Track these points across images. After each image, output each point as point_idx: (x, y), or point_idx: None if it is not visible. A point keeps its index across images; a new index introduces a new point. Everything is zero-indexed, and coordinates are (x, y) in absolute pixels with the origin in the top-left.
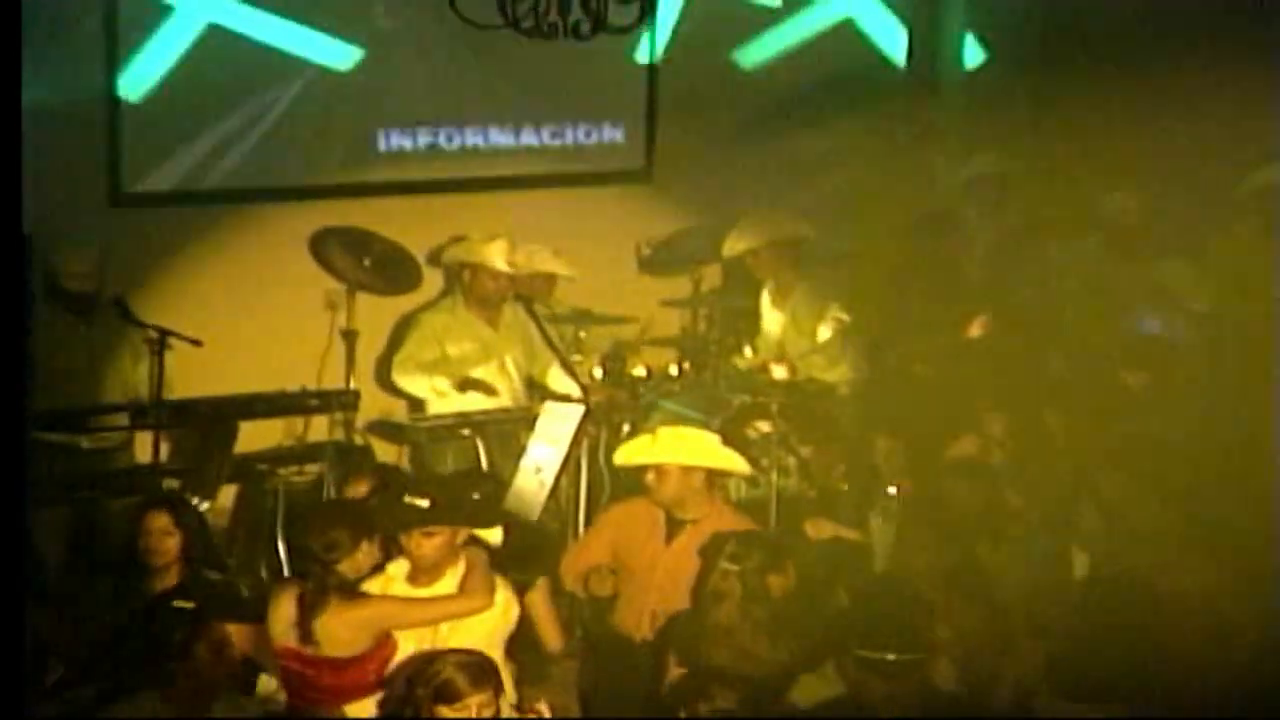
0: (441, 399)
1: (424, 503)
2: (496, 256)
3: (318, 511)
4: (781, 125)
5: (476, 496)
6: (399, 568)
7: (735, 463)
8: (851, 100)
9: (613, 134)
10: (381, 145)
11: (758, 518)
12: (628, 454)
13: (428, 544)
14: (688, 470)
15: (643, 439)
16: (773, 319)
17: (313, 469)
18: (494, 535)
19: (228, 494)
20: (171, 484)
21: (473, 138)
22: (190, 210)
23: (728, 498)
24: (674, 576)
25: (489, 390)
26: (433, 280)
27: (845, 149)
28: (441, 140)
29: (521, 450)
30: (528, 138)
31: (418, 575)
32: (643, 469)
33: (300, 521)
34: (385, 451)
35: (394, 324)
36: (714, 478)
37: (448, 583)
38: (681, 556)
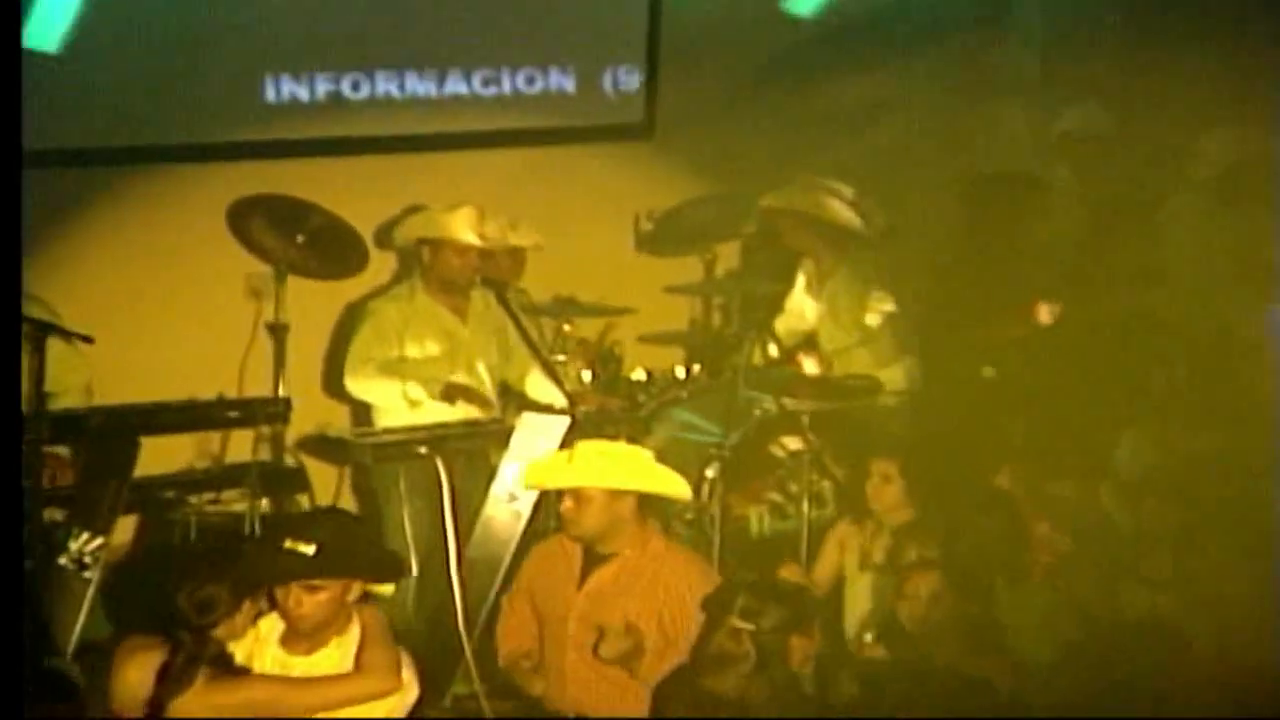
0: (414, 410)
1: (309, 549)
2: (463, 228)
3: (189, 561)
4: (818, 68)
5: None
6: (272, 625)
7: (673, 485)
8: (906, 38)
9: (561, 81)
10: (270, 95)
11: (787, 553)
12: (538, 475)
13: (310, 601)
14: (614, 495)
15: (557, 457)
16: (807, 307)
17: (232, 496)
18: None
19: (127, 528)
20: (55, 515)
21: (385, 85)
22: (72, 175)
23: (666, 530)
24: (588, 626)
25: (482, 403)
26: (380, 262)
27: (899, 98)
28: (345, 89)
29: (493, 472)
30: (454, 85)
31: (295, 639)
32: (558, 495)
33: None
34: (323, 474)
35: (338, 316)
36: (647, 505)
37: (331, 653)
38: (596, 602)
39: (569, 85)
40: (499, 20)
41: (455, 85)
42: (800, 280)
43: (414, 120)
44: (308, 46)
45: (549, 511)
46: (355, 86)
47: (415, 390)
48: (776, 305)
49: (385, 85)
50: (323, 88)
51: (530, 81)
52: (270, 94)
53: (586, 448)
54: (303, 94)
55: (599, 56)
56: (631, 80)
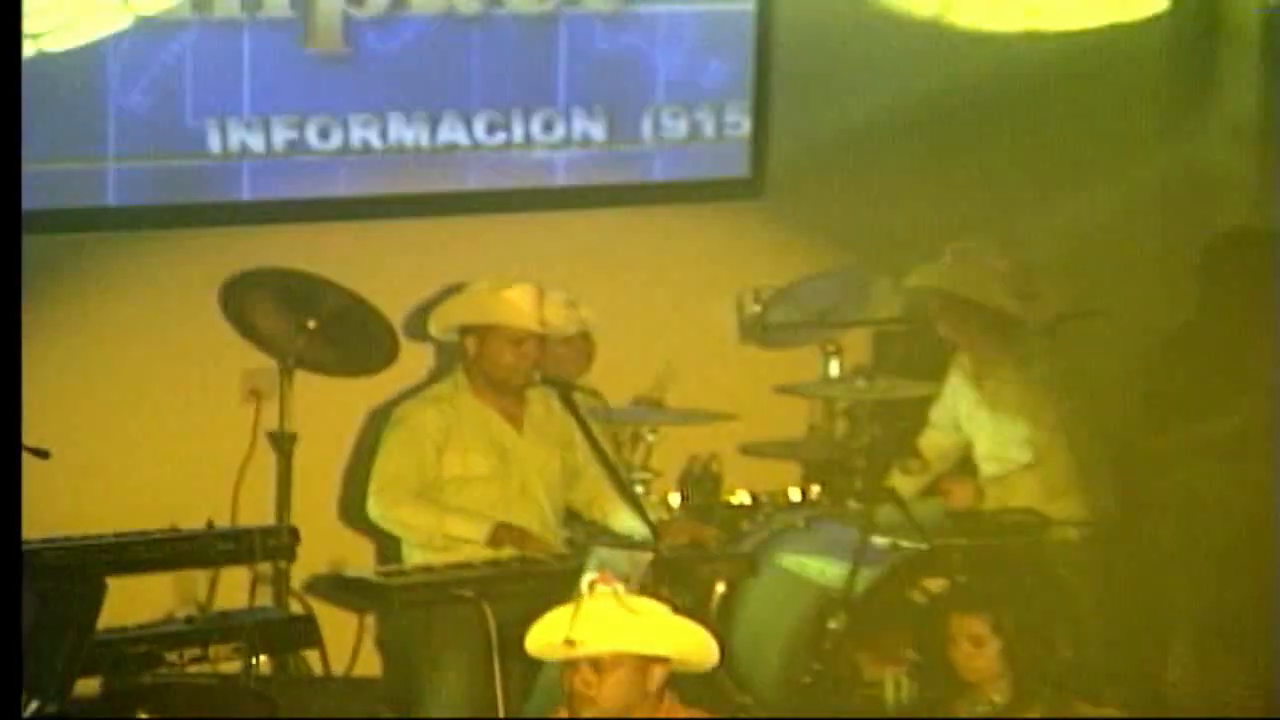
0: (448, 549)
1: None
2: (519, 311)
3: None
4: (974, 110)
5: None
6: None
7: (705, 653)
8: (1089, 62)
9: (587, 127)
10: (214, 144)
11: None
12: (541, 636)
13: None
14: (643, 664)
15: (560, 613)
16: (960, 415)
17: (222, 653)
18: None
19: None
20: None
21: (361, 133)
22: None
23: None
24: None
25: (539, 549)
26: (412, 356)
27: (1080, 140)
28: (312, 138)
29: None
30: (451, 133)
31: None
32: (568, 666)
33: None
34: (338, 624)
35: (359, 424)
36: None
37: None
38: None
39: (599, 132)
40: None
41: (452, 133)
42: (952, 380)
43: (435, 175)
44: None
45: None
46: (324, 134)
47: (457, 526)
48: (919, 411)
49: (362, 133)
50: (282, 136)
51: (548, 128)
52: (214, 143)
53: (593, 604)
54: (255, 143)
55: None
56: (736, 124)
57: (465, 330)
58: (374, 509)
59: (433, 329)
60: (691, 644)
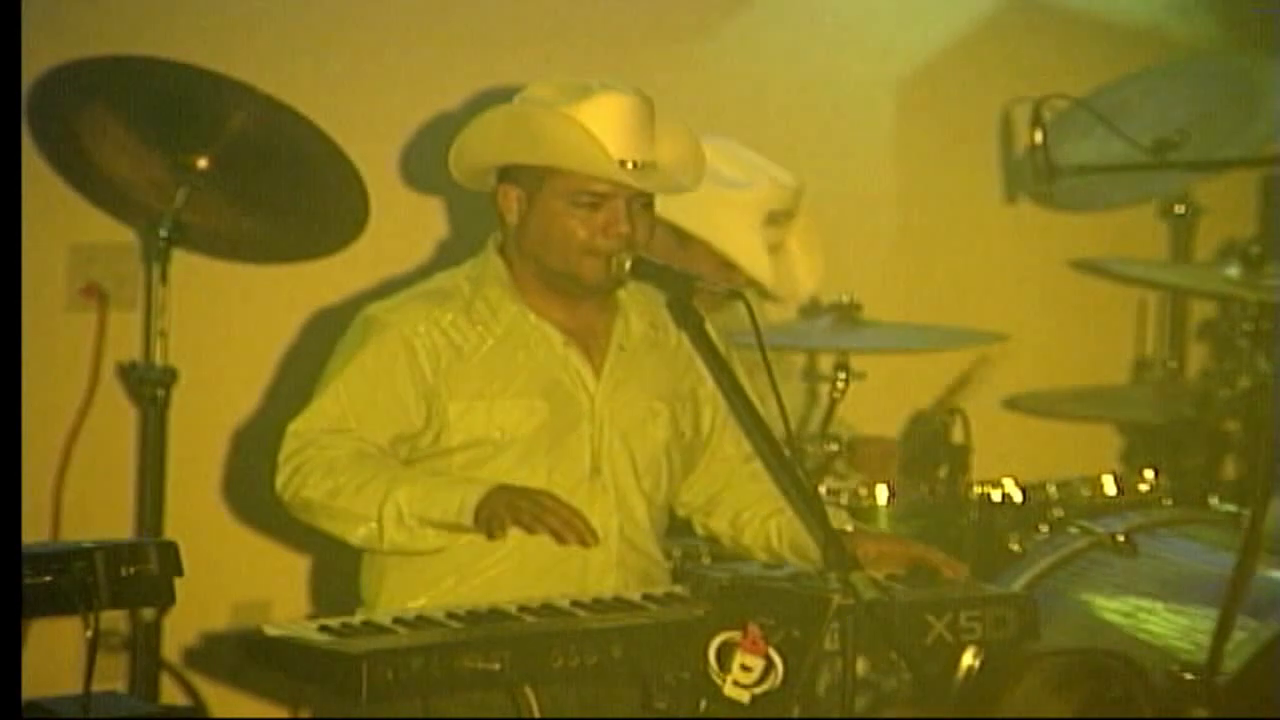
0: (438, 551)
1: None
2: (607, 141)
3: None
4: None
5: None
6: None
7: None
8: None
9: None
10: None
11: None
12: None
13: None
14: None
15: None
16: None
17: None
18: None
19: None
20: None
21: None
22: None
23: None
24: None
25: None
26: (396, 222)
27: None
28: None
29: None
30: None
31: None
32: None
33: None
34: None
35: (291, 342)
36: None
37: None
38: None
39: None
40: None
41: None
42: None
43: None
44: None
45: None
46: None
47: (414, 497)
48: None
49: None
50: None
51: None
52: None
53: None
54: None
55: None
56: None
57: (507, 176)
58: (282, 481)
59: (457, 167)
60: None
